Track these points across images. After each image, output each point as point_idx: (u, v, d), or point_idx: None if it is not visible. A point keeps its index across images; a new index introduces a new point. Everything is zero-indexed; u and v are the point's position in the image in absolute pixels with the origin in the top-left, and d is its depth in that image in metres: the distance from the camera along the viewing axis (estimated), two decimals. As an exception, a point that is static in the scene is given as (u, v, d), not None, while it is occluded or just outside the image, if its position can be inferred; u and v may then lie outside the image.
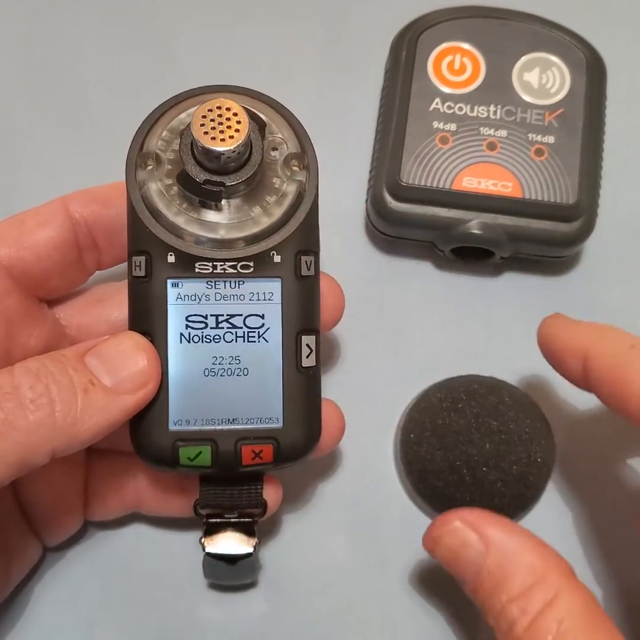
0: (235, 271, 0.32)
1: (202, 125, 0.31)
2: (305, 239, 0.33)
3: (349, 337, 0.44)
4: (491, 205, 0.42)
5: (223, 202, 0.32)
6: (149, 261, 0.32)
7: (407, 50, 0.45)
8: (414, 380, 0.43)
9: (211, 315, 0.33)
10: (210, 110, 0.31)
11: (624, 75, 0.47)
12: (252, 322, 0.33)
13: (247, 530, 0.36)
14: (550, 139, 0.43)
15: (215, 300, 0.33)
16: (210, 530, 0.36)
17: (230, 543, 0.36)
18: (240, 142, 0.31)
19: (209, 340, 0.33)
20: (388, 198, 0.43)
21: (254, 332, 0.33)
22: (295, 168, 0.33)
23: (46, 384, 0.29)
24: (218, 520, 0.36)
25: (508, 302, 0.45)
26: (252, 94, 0.34)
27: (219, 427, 0.33)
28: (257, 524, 0.36)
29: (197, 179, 0.32)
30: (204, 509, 0.35)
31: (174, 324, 0.33)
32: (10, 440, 0.28)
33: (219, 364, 0.33)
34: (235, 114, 0.31)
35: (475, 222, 0.42)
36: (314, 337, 0.33)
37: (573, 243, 0.43)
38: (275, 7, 0.51)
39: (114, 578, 0.39)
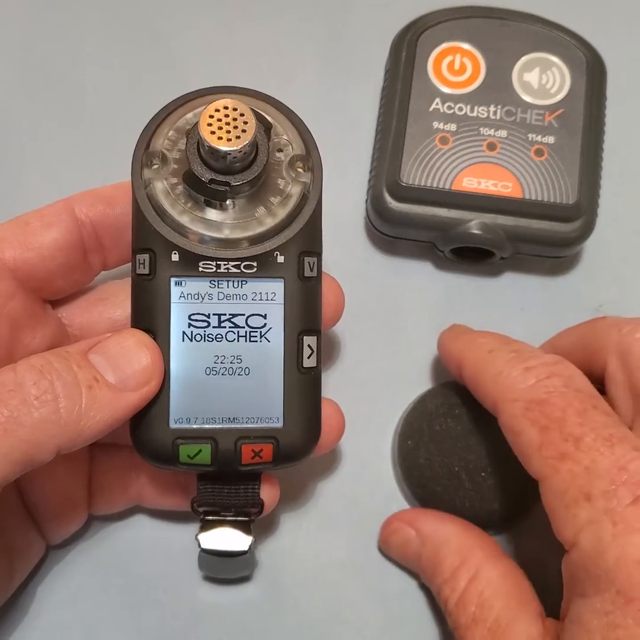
0: (239, 271, 0.33)
1: (210, 124, 0.31)
2: (309, 240, 0.33)
3: (349, 337, 0.44)
4: (491, 205, 0.42)
5: (228, 201, 0.32)
6: (153, 259, 0.32)
7: (407, 50, 0.45)
8: (413, 380, 0.43)
9: (214, 314, 0.33)
10: (217, 110, 0.31)
11: (624, 75, 0.47)
12: (254, 321, 0.33)
13: (244, 528, 0.36)
14: (550, 139, 0.43)
15: (218, 299, 0.33)
16: (207, 527, 0.36)
17: (226, 540, 0.36)
18: (247, 142, 0.31)
19: (211, 339, 0.33)
20: (388, 198, 0.43)
21: (256, 331, 0.33)
22: (300, 170, 0.33)
23: (50, 381, 0.29)
24: (215, 517, 0.36)
25: (508, 302, 0.45)
26: (259, 95, 0.34)
27: (220, 426, 0.33)
28: (254, 522, 0.36)
29: (203, 178, 0.32)
30: (201, 506, 0.35)
31: (177, 323, 0.33)
32: (15, 437, 0.28)
33: (221, 363, 0.33)
34: (242, 115, 0.31)
35: (475, 223, 0.42)
36: (316, 337, 0.34)
37: (573, 243, 0.43)
38: (275, 7, 0.51)
39: (115, 577, 0.40)
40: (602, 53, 0.45)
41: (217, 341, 0.33)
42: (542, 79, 0.44)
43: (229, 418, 0.33)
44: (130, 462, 0.38)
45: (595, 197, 0.43)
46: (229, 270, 0.32)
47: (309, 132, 0.34)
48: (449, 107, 0.44)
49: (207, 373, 0.33)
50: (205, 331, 0.33)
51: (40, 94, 0.49)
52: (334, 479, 0.42)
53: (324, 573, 0.40)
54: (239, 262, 0.33)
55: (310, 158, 0.34)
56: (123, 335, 0.32)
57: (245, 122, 0.31)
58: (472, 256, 0.44)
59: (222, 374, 0.33)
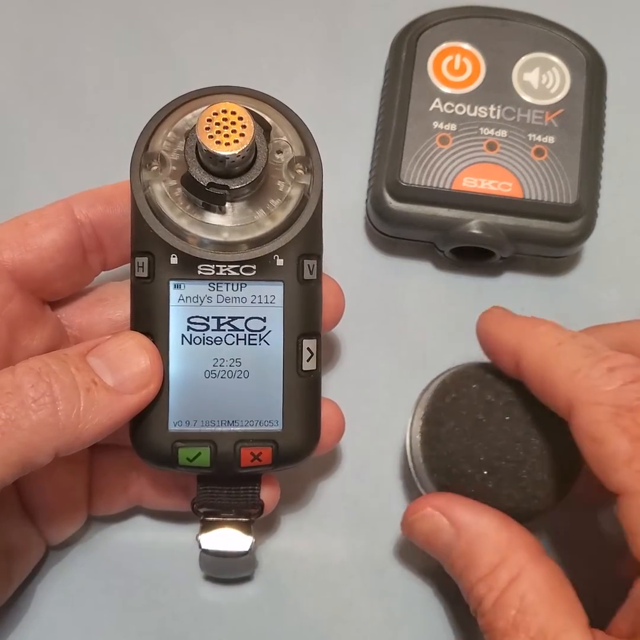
0: (238, 274, 0.32)
1: (207, 128, 0.31)
2: (309, 243, 0.33)
3: (349, 337, 0.44)
4: (491, 205, 0.42)
5: (227, 205, 0.32)
6: (151, 262, 0.32)
7: (407, 50, 0.45)
8: (414, 380, 0.43)
9: (213, 317, 0.33)
10: (215, 113, 0.31)
11: (624, 76, 0.47)
12: (254, 324, 0.33)
13: (244, 529, 0.36)
14: (550, 139, 0.43)
15: (217, 302, 0.33)
16: (207, 528, 0.36)
17: (226, 541, 0.36)
18: (245, 146, 0.31)
19: (210, 342, 0.33)
20: (388, 198, 0.43)
21: (255, 334, 0.33)
22: (299, 171, 0.33)
23: (49, 383, 0.29)
24: (215, 518, 0.36)
25: (508, 302, 0.45)
26: (259, 96, 0.34)
27: (219, 429, 0.33)
28: (254, 523, 0.36)
29: (202, 182, 0.32)
30: (201, 507, 0.35)
31: (176, 325, 0.33)
32: (13, 440, 0.28)
33: (220, 365, 0.33)
34: (240, 118, 0.31)
35: (475, 222, 0.42)
36: (315, 340, 0.34)
37: (573, 243, 0.43)
38: (275, 7, 0.51)
39: (115, 578, 0.40)
40: (602, 53, 0.45)
41: (217, 344, 0.33)
42: (542, 78, 0.44)
43: (228, 421, 0.33)
44: (130, 463, 0.38)
45: (595, 197, 0.43)
46: (228, 273, 0.32)
47: (310, 133, 0.34)
48: (449, 107, 0.44)
49: (206, 376, 0.33)
50: (204, 334, 0.33)
51: (40, 94, 0.49)
52: (335, 479, 0.42)
53: (324, 573, 0.40)
54: (238, 265, 0.32)
55: (310, 160, 0.34)
56: (122, 338, 0.32)
57: (244, 126, 0.31)
58: (472, 256, 0.44)
59: (221, 377, 0.33)
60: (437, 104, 0.44)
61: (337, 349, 0.44)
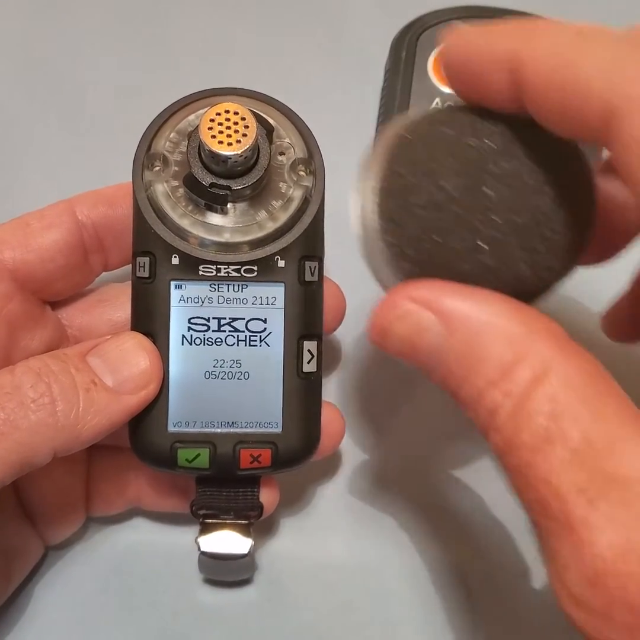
0: (239, 275, 0.33)
1: (210, 128, 0.31)
2: (310, 245, 0.33)
3: (350, 340, 0.44)
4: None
5: (229, 205, 0.32)
6: (153, 262, 0.32)
7: (407, 50, 0.45)
8: (413, 380, 0.43)
9: (213, 318, 0.33)
10: (218, 114, 0.31)
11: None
12: (254, 326, 0.33)
13: (243, 531, 0.36)
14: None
15: (218, 303, 0.33)
16: (206, 530, 0.36)
17: (226, 543, 0.36)
18: (248, 146, 0.31)
19: (210, 343, 0.33)
20: (388, 198, 0.43)
21: (256, 336, 0.33)
22: (302, 173, 0.33)
23: (48, 383, 0.30)
24: (214, 520, 0.36)
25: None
26: (261, 97, 0.34)
27: (218, 430, 0.33)
28: (253, 525, 0.36)
29: (204, 182, 0.32)
30: (200, 509, 0.35)
31: (176, 326, 0.33)
32: (12, 440, 0.28)
33: (220, 367, 0.33)
34: (243, 119, 0.31)
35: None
36: (316, 342, 0.34)
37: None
38: (275, 7, 0.51)
39: (114, 579, 0.39)
40: (602, 53, 0.45)
41: (217, 345, 0.33)
42: (542, 79, 0.44)
43: (228, 422, 0.33)
44: (129, 463, 0.38)
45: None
46: (229, 274, 0.32)
47: (312, 134, 0.34)
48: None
49: (206, 377, 0.33)
50: (204, 335, 0.33)
51: (40, 94, 0.49)
52: (334, 481, 0.42)
53: (324, 574, 0.40)
54: (240, 266, 0.32)
55: (312, 162, 0.34)
56: (122, 338, 0.32)
57: (246, 126, 0.31)
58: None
59: (222, 378, 0.33)
60: (437, 103, 0.44)
61: (338, 351, 0.44)
